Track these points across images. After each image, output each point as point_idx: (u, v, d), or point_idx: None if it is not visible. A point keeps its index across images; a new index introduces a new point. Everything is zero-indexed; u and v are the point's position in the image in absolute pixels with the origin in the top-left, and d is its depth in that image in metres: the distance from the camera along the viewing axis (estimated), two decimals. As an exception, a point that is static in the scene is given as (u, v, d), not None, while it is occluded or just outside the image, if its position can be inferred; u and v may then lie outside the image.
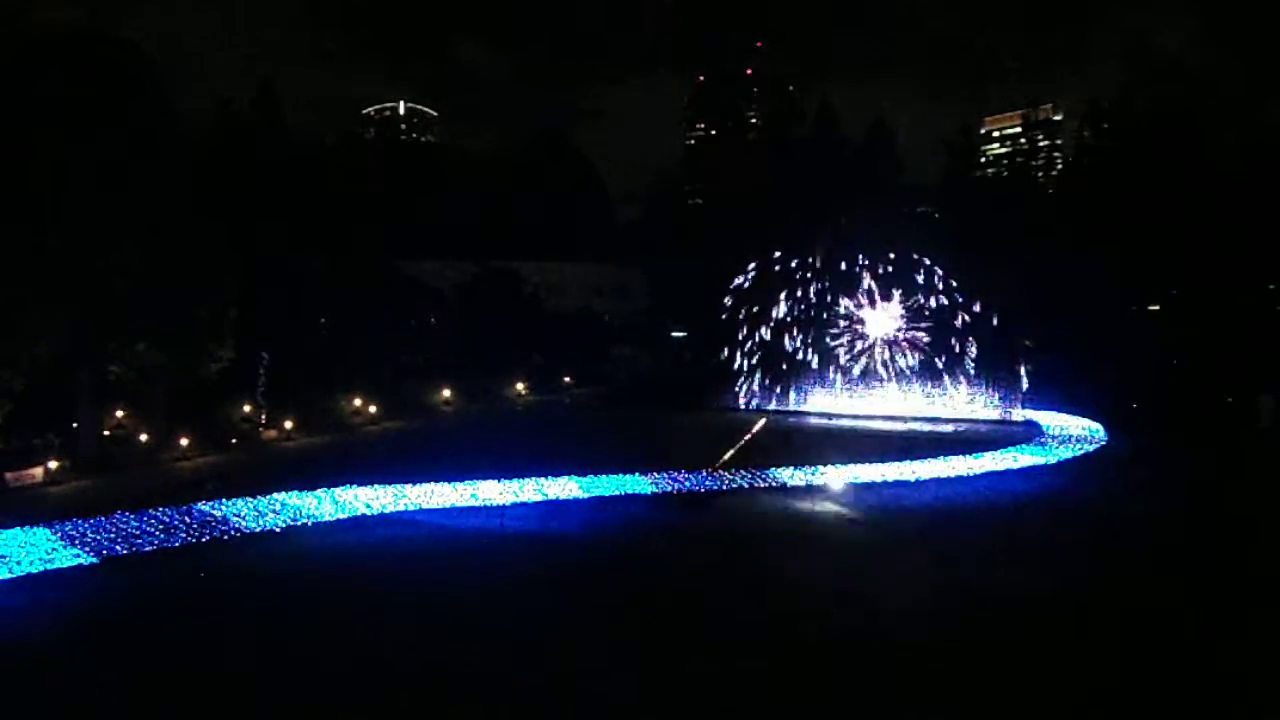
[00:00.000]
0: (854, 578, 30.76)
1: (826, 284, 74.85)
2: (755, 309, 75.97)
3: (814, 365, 74.65)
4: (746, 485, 44.26)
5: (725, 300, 77.08)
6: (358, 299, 72.84)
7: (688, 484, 43.22)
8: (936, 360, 72.01)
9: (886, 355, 73.26)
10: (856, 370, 73.86)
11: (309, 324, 69.88)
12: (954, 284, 71.44)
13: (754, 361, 75.85)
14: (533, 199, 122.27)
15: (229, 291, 52.37)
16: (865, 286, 73.89)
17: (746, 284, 76.75)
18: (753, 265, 76.59)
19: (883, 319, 73.33)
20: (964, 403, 71.65)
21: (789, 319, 75.17)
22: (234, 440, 53.47)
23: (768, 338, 75.50)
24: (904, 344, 72.92)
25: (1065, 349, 76.89)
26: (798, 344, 74.91)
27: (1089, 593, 29.31)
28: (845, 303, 74.16)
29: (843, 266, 74.44)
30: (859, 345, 73.92)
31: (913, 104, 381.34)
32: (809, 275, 75.20)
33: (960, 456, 50.83)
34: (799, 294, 75.24)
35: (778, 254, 75.65)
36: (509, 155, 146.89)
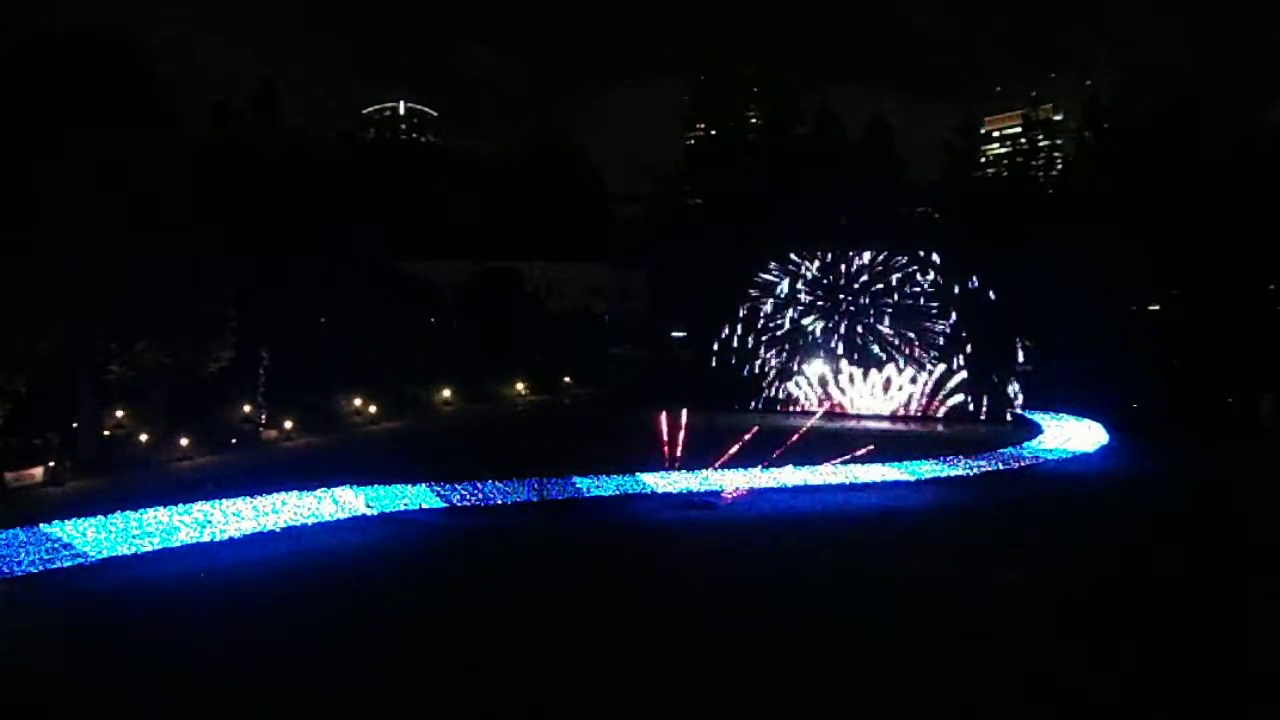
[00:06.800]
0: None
1: (822, 285, 74.99)
2: (749, 312, 76.31)
3: (809, 366, 74.74)
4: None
5: (722, 307, 77.31)
6: (358, 299, 72.87)
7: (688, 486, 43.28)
8: (932, 359, 72.12)
9: (887, 353, 73.32)
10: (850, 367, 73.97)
11: (309, 324, 69.89)
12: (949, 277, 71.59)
13: (752, 362, 75.99)
14: (533, 199, 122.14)
15: (229, 291, 52.33)
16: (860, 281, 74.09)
17: (744, 288, 77.00)
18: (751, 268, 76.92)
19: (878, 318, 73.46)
20: (962, 402, 71.70)
21: (783, 320, 75.34)
22: (234, 440, 53.45)
23: (765, 338, 75.69)
24: (902, 343, 73.01)
25: (1065, 349, 76.87)
26: (793, 345, 75.06)
27: (1085, 583, 29.42)
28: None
29: (839, 267, 74.60)
30: (853, 340, 74.00)
31: (912, 105, 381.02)
32: (804, 276, 75.33)
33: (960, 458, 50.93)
34: (792, 295, 75.42)
35: (772, 259, 75.97)
36: (509, 155, 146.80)
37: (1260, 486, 47.81)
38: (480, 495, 39.36)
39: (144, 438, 49.73)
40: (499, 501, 39.42)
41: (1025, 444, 57.14)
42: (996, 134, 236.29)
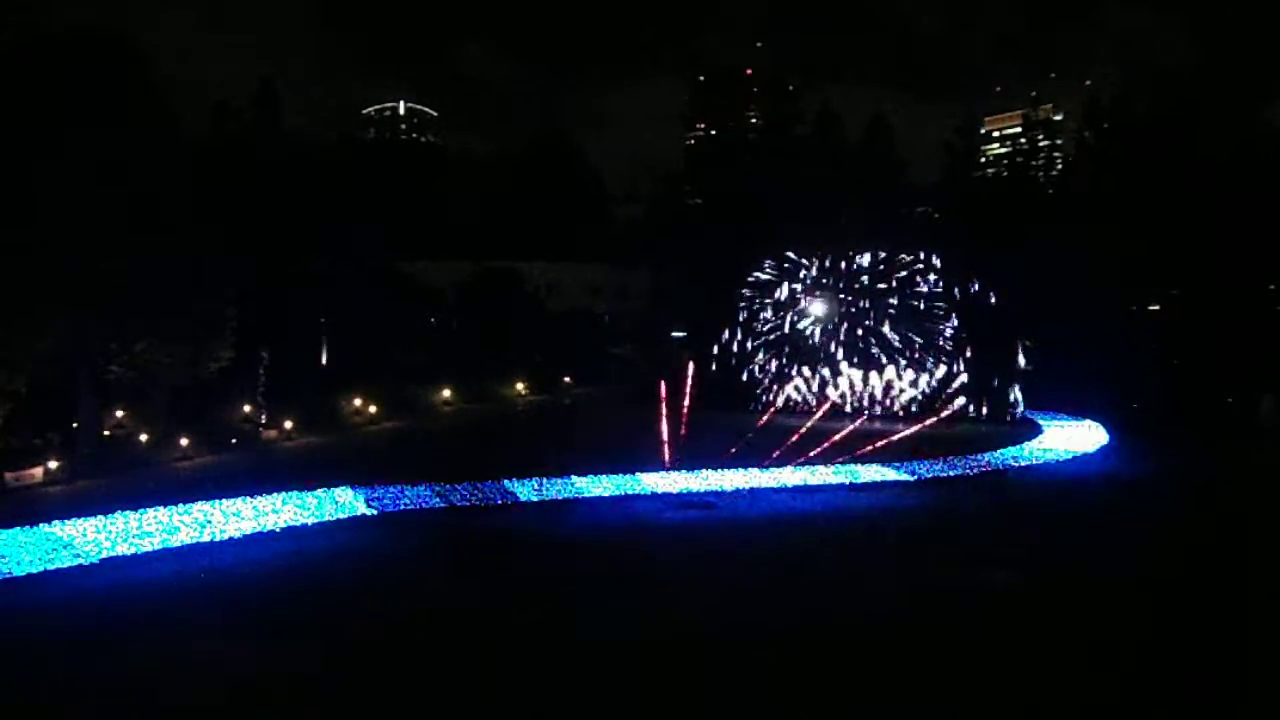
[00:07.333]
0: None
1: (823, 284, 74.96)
2: (749, 313, 76.37)
3: (809, 368, 74.72)
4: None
5: (722, 307, 77.31)
6: (358, 299, 72.85)
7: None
8: (933, 360, 72.08)
9: (889, 355, 73.29)
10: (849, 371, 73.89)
11: (309, 324, 69.87)
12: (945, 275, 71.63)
13: (751, 363, 76.01)
14: (533, 199, 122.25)
15: (229, 291, 52.35)
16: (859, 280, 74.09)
17: (743, 288, 77.04)
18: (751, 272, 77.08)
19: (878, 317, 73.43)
20: (963, 403, 71.65)
21: (782, 321, 75.33)
22: (234, 440, 53.46)
23: (765, 339, 75.70)
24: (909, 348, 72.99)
25: (1065, 349, 76.84)
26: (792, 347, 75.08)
27: (1085, 584, 29.42)
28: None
29: (840, 268, 74.57)
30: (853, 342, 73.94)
31: (912, 105, 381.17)
32: (804, 279, 75.32)
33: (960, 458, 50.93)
34: (792, 296, 75.38)
35: (772, 259, 76.02)
36: (509, 155, 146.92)
37: (1260, 486, 47.80)
38: (480, 495, 39.34)
39: (144, 438, 49.72)
40: (499, 501, 39.41)
41: (1025, 444, 57.13)
42: (996, 134, 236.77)
